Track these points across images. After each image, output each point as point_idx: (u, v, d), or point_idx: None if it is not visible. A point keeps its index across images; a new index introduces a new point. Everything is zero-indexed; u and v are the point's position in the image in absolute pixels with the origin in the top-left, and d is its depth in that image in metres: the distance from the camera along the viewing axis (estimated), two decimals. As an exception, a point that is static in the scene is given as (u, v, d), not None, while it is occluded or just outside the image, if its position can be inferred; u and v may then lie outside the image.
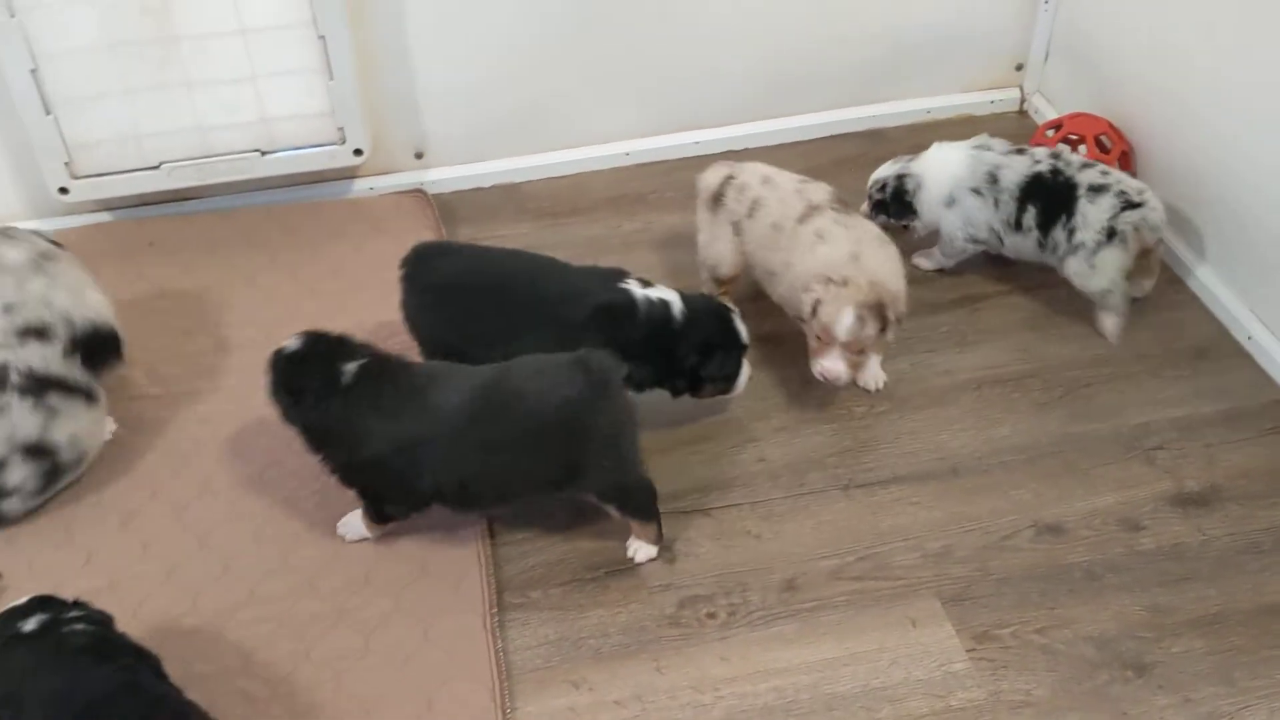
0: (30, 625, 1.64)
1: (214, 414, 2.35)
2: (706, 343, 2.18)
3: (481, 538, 2.11)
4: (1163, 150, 2.65)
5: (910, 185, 2.56)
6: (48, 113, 2.55)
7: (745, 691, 1.88)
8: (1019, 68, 3.12)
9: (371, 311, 2.49)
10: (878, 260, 2.22)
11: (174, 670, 1.73)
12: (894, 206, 2.59)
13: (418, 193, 2.91)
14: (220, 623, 1.98)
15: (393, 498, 2.04)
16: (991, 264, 2.64)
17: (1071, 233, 2.39)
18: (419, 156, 2.93)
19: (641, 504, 2.04)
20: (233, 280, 2.67)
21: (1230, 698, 1.86)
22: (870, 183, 2.64)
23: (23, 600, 1.73)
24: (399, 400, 1.95)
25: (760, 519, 2.14)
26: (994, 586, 2.02)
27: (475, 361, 2.07)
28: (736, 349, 2.21)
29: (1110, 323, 2.45)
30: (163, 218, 2.83)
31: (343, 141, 2.73)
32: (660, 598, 2.02)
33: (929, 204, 2.55)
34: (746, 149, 3.02)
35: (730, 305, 2.28)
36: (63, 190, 2.66)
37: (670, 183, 2.92)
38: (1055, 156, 2.46)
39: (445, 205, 2.89)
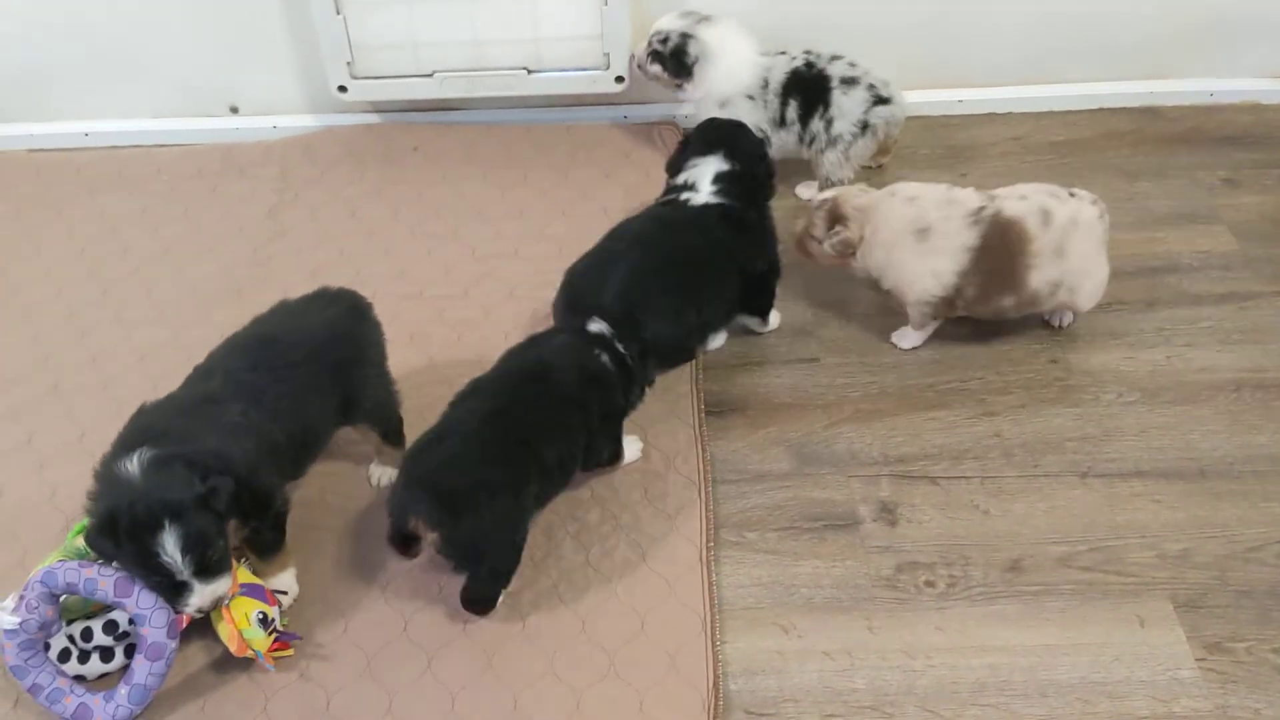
0: (595, 326, 2.06)
1: (460, 320, 2.44)
2: (750, 158, 2.33)
3: (703, 472, 2.14)
4: None
5: (693, 50, 2.59)
6: (338, 12, 2.67)
7: (958, 664, 1.86)
8: (1318, 56, 2.91)
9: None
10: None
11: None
12: (671, 63, 2.63)
13: (670, 125, 2.93)
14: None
15: None
16: (1266, 262, 2.50)
17: (829, 124, 2.55)
18: (675, 89, 2.94)
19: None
20: (487, 193, 2.76)
21: None
22: (653, 30, 2.64)
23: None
24: None
25: (989, 495, 2.10)
26: (1232, 598, 1.93)
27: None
28: (761, 150, 2.39)
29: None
30: (428, 125, 2.94)
31: (607, 67, 2.77)
32: (878, 558, 2.02)
33: (707, 86, 2.62)
34: (1010, 112, 2.93)
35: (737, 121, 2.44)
36: (342, 89, 2.79)
37: (925, 140, 2.86)
38: (807, 52, 2.59)
39: (694, 140, 2.89)
